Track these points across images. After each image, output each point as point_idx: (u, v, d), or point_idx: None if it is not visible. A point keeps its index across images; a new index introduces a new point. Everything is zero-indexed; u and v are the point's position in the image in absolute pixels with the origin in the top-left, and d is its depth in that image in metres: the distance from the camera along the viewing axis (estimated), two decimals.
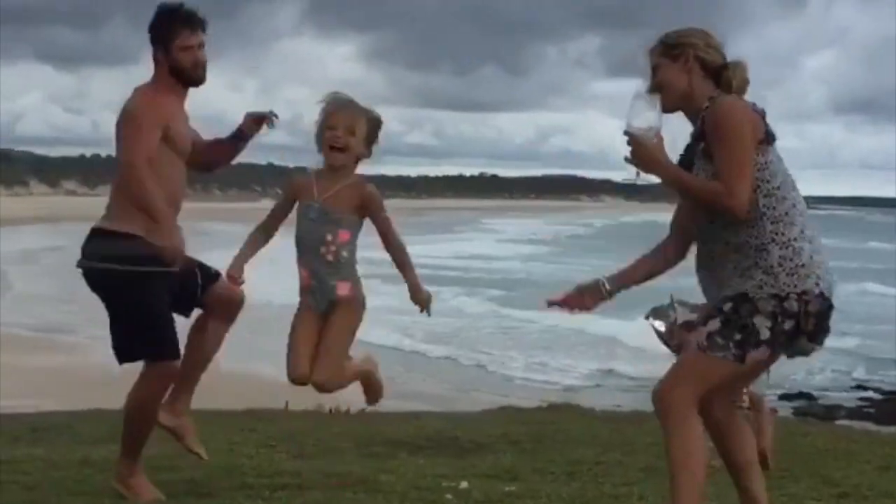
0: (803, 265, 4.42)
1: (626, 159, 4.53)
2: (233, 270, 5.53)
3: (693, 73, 4.57)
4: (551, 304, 4.79)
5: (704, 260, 4.60)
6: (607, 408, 13.83)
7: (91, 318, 27.93)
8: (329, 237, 5.42)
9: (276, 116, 6.07)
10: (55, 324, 27.33)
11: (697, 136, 4.57)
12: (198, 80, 5.82)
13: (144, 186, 5.57)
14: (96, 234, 5.79)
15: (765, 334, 4.38)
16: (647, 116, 4.51)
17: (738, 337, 4.38)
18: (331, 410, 10.57)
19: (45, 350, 22.60)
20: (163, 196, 5.66)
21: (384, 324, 25.16)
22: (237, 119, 6.14)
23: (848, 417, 19.24)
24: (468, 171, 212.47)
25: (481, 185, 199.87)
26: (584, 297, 4.76)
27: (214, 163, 6.23)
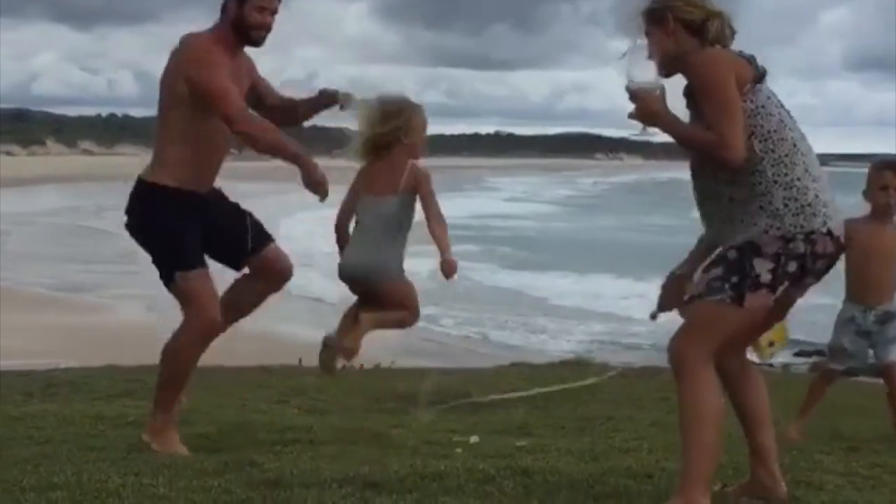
0: (809, 204, 4.38)
1: (630, 115, 4.51)
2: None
3: (677, 34, 4.54)
4: (654, 316, 4.83)
5: (710, 219, 4.58)
6: (618, 364, 13.85)
7: (110, 278, 28.26)
8: None
9: (347, 96, 6.00)
10: (73, 283, 27.43)
11: (688, 95, 4.56)
12: (256, 41, 5.73)
13: (267, 134, 5.54)
14: (137, 184, 5.85)
15: (765, 277, 4.34)
16: (647, 71, 4.51)
17: (734, 279, 4.34)
18: (343, 366, 10.62)
19: (62, 309, 22.70)
20: (260, 129, 5.58)
21: None
22: None
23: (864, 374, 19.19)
24: (484, 130, 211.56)
25: (497, 143, 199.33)
26: (673, 296, 4.77)
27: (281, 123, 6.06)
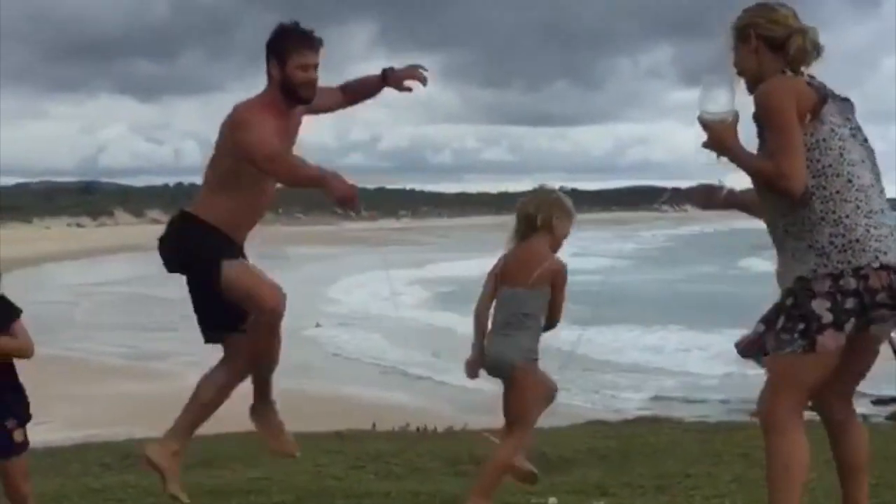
0: (857, 240, 4.31)
1: (704, 144, 4.51)
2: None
3: (760, 52, 4.54)
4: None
5: (774, 244, 4.56)
6: (694, 419, 13.71)
7: (181, 346, 28.44)
8: None
9: (425, 70, 6.24)
10: (146, 352, 27.66)
11: (757, 121, 4.53)
12: (306, 98, 5.84)
13: (294, 170, 5.59)
14: (182, 214, 6.01)
15: (827, 317, 4.28)
16: (720, 100, 4.47)
17: (801, 326, 4.30)
18: (417, 429, 10.59)
19: (136, 377, 22.89)
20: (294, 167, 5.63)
21: None
22: (314, 143, 6.23)
23: None
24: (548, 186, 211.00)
25: None
26: (707, 193, 4.82)
27: (352, 102, 6.38)
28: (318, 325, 32.28)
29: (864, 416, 17.26)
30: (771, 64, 4.51)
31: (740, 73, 4.59)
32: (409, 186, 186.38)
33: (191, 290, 5.91)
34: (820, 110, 4.42)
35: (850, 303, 4.29)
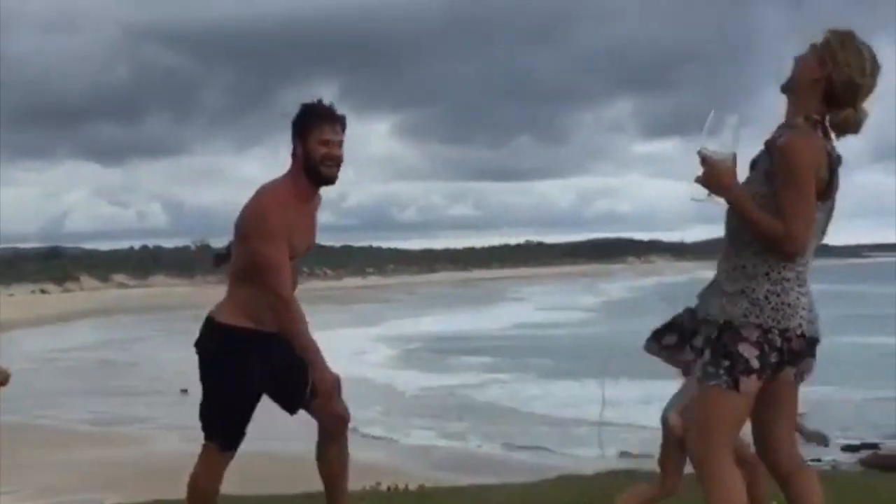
0: (789, 305, 4.38)
1: (697, 179, 4.46)
2: None
3: (817, 84, 4.43)
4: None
5: (719, 264, 4.58)
6: None
7: (147, 410, 28.28)
8: None
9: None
10: (112, 417, 27.46)
11: (753, 166, 4.52)
12: (327, 177, 5.70)
13: (296, 326, 5.60)
14: (209, 323, 5.84)
15: (753, 363, 4.36)
16: (723, 139, 4.43)
17: (726, 364, 4.37)
18: (388, 488, 10.53)
19: (103, 443, 22.69)
20: (302, 320, 5.67)
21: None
22: None
23: None
24: (514, 240, 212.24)
25: (527, 252, 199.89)
26: (721, 173, 4.45)
27: None
28: (184, 392, 31.69)
29: (835, 463, 17.33)
30: (813, 101, 4.44)
31: (791, 82, 4.49)
32: (375, 244, 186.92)
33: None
34: (827, 193, 4.42)
35: (773, 357, 4.39)
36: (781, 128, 4.48)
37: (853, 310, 54.09)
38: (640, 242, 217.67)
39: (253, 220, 5.59)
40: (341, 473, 5.91)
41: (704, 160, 4.43)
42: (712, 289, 4.55)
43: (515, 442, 24.02)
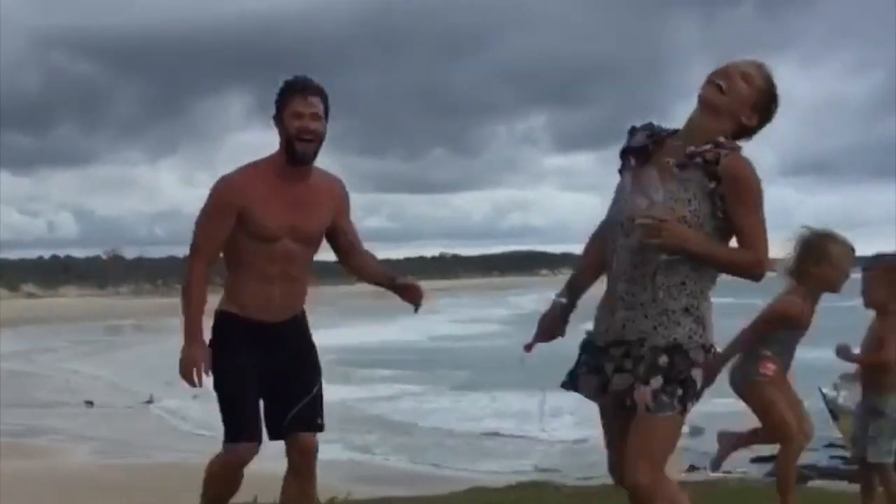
0: (713, 325, 4.38)
1: (659, 248, 4.23)
2: None
3: (746, 119, 4.38)
4: (528, 347, 4.60)
5: (626, 281, 4.36)
6: (578, 483, 13.76)
7: (58, 422, 27.85)
8: None
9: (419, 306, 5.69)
10: (23, 428, 27.00)
11: (704, 168, 4.30)
12: (302, 154, 5.29)
13: (186, 283, 5.36)
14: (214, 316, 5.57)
15: (699, 386, 4.32)
16: (657, 192, 4.27)
17: (679, 392, 4.26)
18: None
19: (11, 455, 22.30)
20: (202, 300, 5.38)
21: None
22: (192, 212, 5.66)
23: (821, 478, 19.10)
24: (429, 253, 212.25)
25: (443, 265, 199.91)
26: (550, 324, 4.63)
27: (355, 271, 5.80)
28: (88, 404, 31.48)
29: (744, 475, 17.49)
30: (732, 128, 4.37)
31: (717, 103, 4.33)
32: None
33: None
34: None
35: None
36: (714, 144, 4.30)
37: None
38: (554, 255, 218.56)
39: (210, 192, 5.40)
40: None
41: (653, 226, 4.18)
42: (636, 308, 4.32)
43: (425, 454, 24.01)
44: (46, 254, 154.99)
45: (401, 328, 57.56)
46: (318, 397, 5.52)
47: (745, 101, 4.36)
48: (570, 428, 24.44)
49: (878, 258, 6.71)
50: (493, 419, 28.82)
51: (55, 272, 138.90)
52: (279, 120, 5.34)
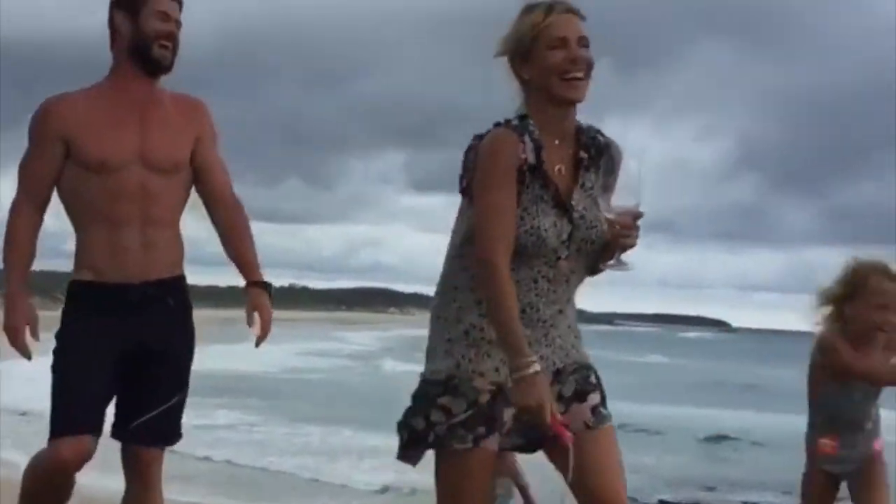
0: None
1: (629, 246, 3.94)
2: None
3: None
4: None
5: (550, 301, 4.00)
6: None
7: None
8: None
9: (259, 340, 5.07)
10: None
11: (598, 160, 4.05)
12: (160, 59, 4.43)
13: (7, 231, 4.45)
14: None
15: None
16: (627, 189, 3.91)
17: (607, 405, 4.13)
18: None
19: None
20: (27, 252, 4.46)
21: None
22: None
23: None
24: (278, 283, 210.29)
25: (291, 296, 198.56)
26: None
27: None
28: None
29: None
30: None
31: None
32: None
33: None
34: None
35: None
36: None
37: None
38: (404, 294, 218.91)
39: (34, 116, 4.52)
40: None
41: (628, 223, 3.87)
42: (568, 336, 4.06)
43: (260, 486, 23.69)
44: None
45: (243, 357, 56.98)
46: (178, 406, 4.65)
47: None
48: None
49: None
50: (341, 454, 28.20)
51: None
52: (131, 17, 4.43)
